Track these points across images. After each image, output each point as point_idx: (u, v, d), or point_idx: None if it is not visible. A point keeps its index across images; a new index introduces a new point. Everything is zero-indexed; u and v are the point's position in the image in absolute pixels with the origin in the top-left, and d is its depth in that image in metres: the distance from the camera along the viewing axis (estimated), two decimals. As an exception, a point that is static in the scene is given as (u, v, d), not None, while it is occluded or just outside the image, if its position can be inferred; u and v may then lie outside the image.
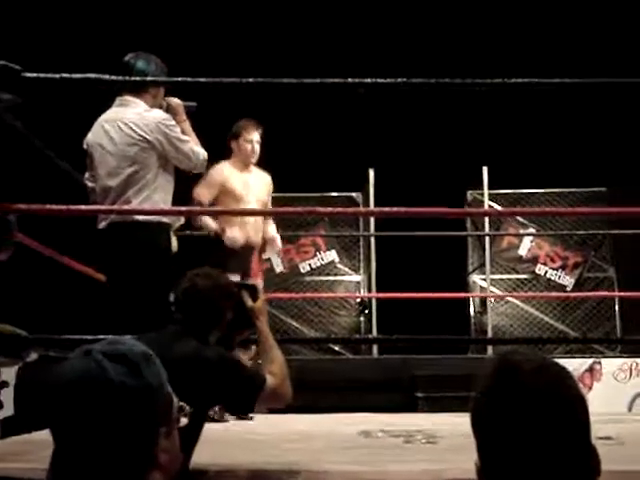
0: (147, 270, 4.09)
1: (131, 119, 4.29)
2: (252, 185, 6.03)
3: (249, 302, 3.08)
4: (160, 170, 4.29)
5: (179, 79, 4.04)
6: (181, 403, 7.00)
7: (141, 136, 4.24)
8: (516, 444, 1.37)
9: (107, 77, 3.83)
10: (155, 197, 4.25)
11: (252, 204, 5.97)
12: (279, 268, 9.60)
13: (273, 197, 8.91)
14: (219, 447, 3.88)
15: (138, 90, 4.38)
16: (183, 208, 4.84)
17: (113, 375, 1.41)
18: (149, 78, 4.36)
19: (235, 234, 5.83)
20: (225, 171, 5.96)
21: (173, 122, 4.34)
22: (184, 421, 2.56)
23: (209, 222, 5.85)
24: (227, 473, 3.18)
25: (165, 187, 4.32)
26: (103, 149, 4.31)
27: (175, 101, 4.50)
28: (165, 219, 4.31)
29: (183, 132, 4.39)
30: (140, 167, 4.24)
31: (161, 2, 10.12)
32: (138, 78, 4.31)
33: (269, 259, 9.28)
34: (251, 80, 4.17)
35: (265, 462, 3.41)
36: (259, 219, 6.05)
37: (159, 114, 4.35)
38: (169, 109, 4.45)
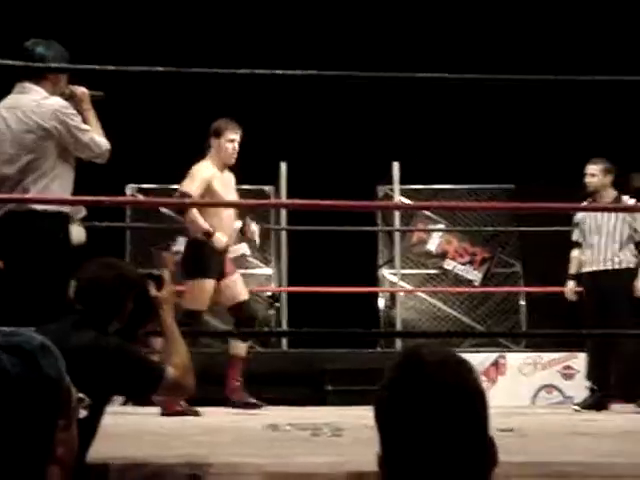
0: (44, 260, 4.01)
1: (28, 106, 4.19)
2: (229, 187, 5.94)
3: (153, 292, 3.04)
4: (59, 159, 4.19)
5: (79, 66, 3.97)
6: (80, 395, 6.87)
7: (37, 124, 4.14)
8: (416, 435, 1.38)
9: (5, 62, 3.75)
10: (53, 186, 4.16)
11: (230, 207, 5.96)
12: (189, 261, 9.53)
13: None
14: (122, 440, 3.83)
15: (37, 76, 4.29)
16: (88, 198, 4.73)
17: (9, 367, 1.37)
18: (48, 65, 4.26)
19: (223, 238, 5.74)
20: (209, 170, 5.82)
21: (73, 110, 4.23)
22: (84, 413, 2.52)
23: (200, 221, 5.73)
24: (129, 467, 3.14)
25: (64, 176, 4.22)
26: (0, 136, 4.22)
27: (80, 90, 4.40)
28: (64, 209, 4.22)
29: (85, 121, 4.29)
30: (37, 155, 4.15)
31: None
32: (39, 64, 4.22)
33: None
34: (161, 69, 4.15)
35: (169, 455, 3.39)
36: (233, 220, 6.00)
37: (57, 101, 4.23)
38: (73, 98, 4.35)
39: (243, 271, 9.68)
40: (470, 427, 1.39)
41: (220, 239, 5.75)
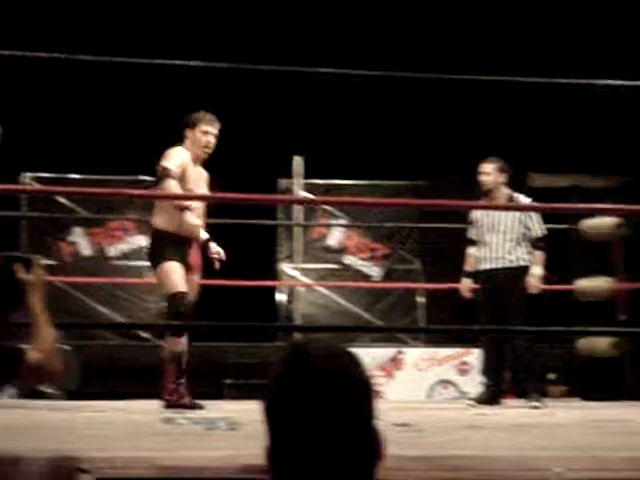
0: None
1: None
2: (201, 181, 5.67)
3: (21, 274, 2.92)
4: None
5: None
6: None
7: None
8: (301, 427, 1.37)
9: None
10: None
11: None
12: (86, 252, 9.39)
13: (82, 179, 8.72)
14: (12, 434, 3.74)
15: None
16: None
17: None
18: None
19: (196, 220, 5.54)
20: (186, 158, 5.56)
21: None
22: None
23: (195, 223, 5.55)
24: (15, 461, 3.06)
25: None
26: None
27: None
28: None
29: None
30: None
31: None
32: None
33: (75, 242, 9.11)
34: (61, 56, 4.06)
35: (59, 449, 3.31)
36: (202, 213, 5.74)
37: None
38: None
39: (142, 263, 9.61)
40: (355, 420, 1.38)
41: (219, 252, 5.60)
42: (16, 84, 8.46)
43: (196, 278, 5.76)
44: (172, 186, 5.45)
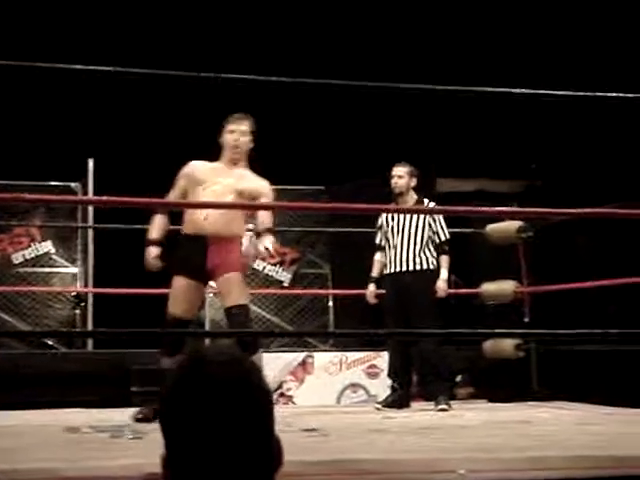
0: None
1: None
2: (223, 176, 5.35)
3: None
4: None
5: None
6: None
7: None
8: (198, 434, 1.36)
9: None
10: None
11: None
12: (-10, 258, 9.21)
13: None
14: None
15: None
16: None
17: None
18: None
19: (153, 251, 5.36)
20: (189, 168, 5.41)
21: None
22: None
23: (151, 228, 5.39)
24: None
25: None
26: None
27: None
28: None
29: None
30: None
31: None
32: None
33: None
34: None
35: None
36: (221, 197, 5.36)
37: None
38: None
39: (48, 269, 9.47)
40: (253, 426, 1.38)
41: (149, 252, 5.31)
42: None
43: (221, 279, 5.23)
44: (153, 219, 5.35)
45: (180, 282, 5.23)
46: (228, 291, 5.24)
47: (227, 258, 5.18)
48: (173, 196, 5.40)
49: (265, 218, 5.20)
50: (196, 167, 5.39)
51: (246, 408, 1.38)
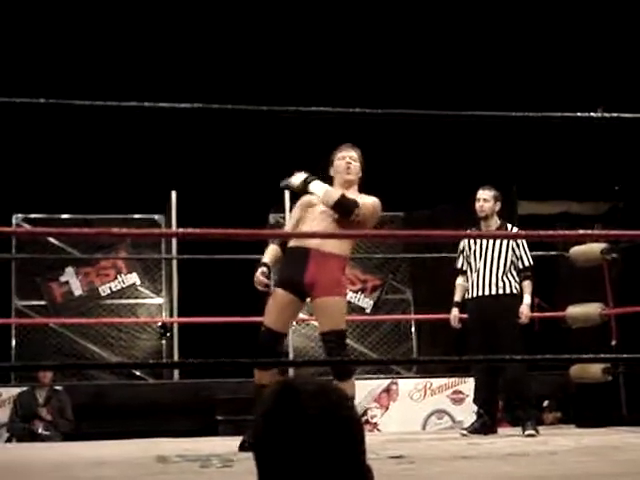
0: None
1: None
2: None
3: None
4: None
5: None
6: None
7: None
8: (291, 466, 1.38)
9: None
10: None
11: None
12: (78, 291, 9.39)
13: (71, 219, 8.69)
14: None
15: None
16: None
17: None
18: None
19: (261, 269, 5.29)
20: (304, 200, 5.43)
21: None
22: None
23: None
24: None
25: None
26: None
27: None
28: None
29: None
30: None
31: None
32: None
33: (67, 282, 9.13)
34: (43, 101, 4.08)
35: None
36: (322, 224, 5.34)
37: None
38: None
39: (134, 301, 9.63)
40: (345, 456, 1.40)
41: (258, 271, 5.25)
42: (4, 127, 8.52)
43: (318, 301, 5.10)
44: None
45: (277, 293, 5.23)
46: (326, 314, 5.14)
47: (327, 276, 5.11)
48: (289, 225, 5.48)
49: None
50: (311, 196, 5.43)
51: (338, 438, 1.39)
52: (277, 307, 5.19)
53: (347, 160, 5.42)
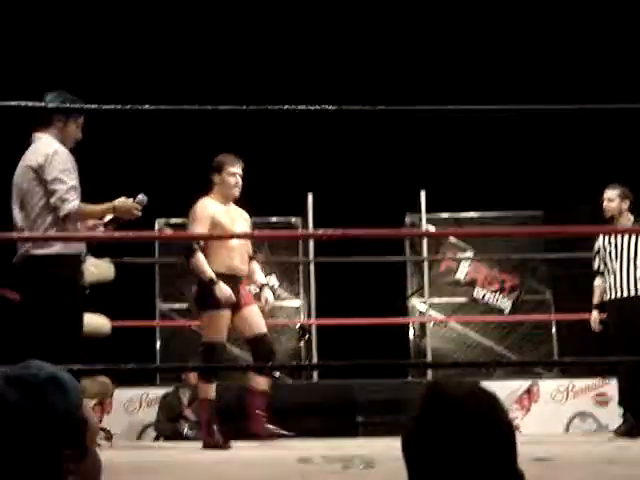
0: (51, 301, 4.22)
1: (28, 158, 4.46)
2: (236, 219, 5.92)
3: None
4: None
5: (87, 106, 4.07)
6: (107, 427, 6.84)
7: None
8: (445, 469, 1.38)
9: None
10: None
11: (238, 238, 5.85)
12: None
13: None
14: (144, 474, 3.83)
15: (43, 124, 4.47)
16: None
17: (9, 397, 1.43)
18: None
19: (227, 290, 5.68)
20: (210, 206, 5.82)
21: (58, 159, 4.40)
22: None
23: (205, 267, 5.69)
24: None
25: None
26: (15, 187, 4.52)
27: (120, 202, 4.58)
28: (67, 250, 4.38)
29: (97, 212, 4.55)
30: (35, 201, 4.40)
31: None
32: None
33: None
34: (187, 107, 4.18)
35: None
36: (245, 251, 5.91)
37: (47, 150, 4.41)
38: (115, 210, 4.55)
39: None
40: (498, 460, 1.38)
41: (222, 289, 5.65)
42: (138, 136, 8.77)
43: (250, 309, 5.91)
44: (199, 260, 5.69)
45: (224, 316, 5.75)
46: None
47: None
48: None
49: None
50: (217, 209, 5.84)
51: (490, 440, 1.38)
52: None
53: (237, 178, 5.85)
